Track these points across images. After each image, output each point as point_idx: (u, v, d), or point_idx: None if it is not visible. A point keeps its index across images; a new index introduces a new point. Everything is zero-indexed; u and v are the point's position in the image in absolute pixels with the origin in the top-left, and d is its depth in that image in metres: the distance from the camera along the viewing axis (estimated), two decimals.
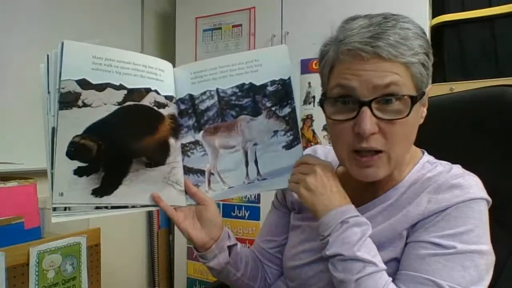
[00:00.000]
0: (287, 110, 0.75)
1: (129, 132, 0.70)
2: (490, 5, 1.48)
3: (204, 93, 0.75)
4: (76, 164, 0.65)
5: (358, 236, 0.60)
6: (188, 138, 0.75)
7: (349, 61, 0.60)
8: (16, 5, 1.52)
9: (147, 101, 0.71)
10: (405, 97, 0.59)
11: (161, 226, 2.18)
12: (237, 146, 0.76)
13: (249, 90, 0.75)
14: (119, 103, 0.68)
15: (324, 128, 1.69)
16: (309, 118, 1.73)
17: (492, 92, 0.78)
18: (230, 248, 0.77)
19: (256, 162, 0.76)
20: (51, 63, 0.65)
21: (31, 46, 1.51)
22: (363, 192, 0.69)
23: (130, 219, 2.06)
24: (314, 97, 1.72)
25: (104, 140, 0.67)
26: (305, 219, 0.76)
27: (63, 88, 0.64)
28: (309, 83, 1.72)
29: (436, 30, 1.57)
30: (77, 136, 0.65)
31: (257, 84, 0.75)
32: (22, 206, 1.21)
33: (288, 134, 0.75)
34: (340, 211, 0.62)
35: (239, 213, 1.88)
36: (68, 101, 0.64)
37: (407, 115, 0.59)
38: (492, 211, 0.62)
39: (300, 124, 1.74)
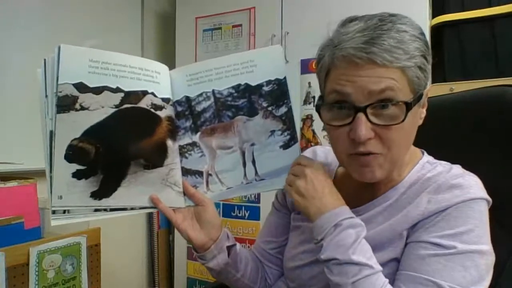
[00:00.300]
0: (283, 109, 0.75)
1: (127, 135, 0.70)
2: (490, 5, 1.48)
3: (201, 94, 0.75)
4: (75, 167, 0.66)
5: (352, 239, 0.59)
6: (185, 139, 0.75)
7: (344, 67, 0.59)
8: (16, 5, 1.52)
9: (144, 103, 0.71)
10: (400, 103, 0.58)
11: (161, 226, 2.18)
12: (234, 147, 0.76)
13: (245, 90, 0.75)
14: (116, 106, 0.68)
15: (324, 128, 1.69)
16: (309, 118, 1.73)
17: (493, 92, 0.78)
18: (229, 248, 0.77)
19: (253, 162, 0.75)
20: (48, 67, 0.65)
21: (31, 46, 1.52)
22: (363, 193, 0.69)
23: (130, 219, 2.06)
24: (314, 97, 1.71)
25: (102, 143, 0.67)
26: (305, 220, 0.75)
27: (60, 92, 0.64)
28: (309, 83, 1.72)
29: (436, 30, 1.57)
30: (75, 139, 0.65)
31: (253, 84, 0.75)
32: (22, 206, 1.21)
33: (285, 133, 0.75)
34: (333, 213, 0.62)
35: (239, 213, 1.88)
36: (65, 104, 0.64)
37: (403, 120, 0.58)
38: (492, 211, 0.62)
39: (300, 124, 1.74)
